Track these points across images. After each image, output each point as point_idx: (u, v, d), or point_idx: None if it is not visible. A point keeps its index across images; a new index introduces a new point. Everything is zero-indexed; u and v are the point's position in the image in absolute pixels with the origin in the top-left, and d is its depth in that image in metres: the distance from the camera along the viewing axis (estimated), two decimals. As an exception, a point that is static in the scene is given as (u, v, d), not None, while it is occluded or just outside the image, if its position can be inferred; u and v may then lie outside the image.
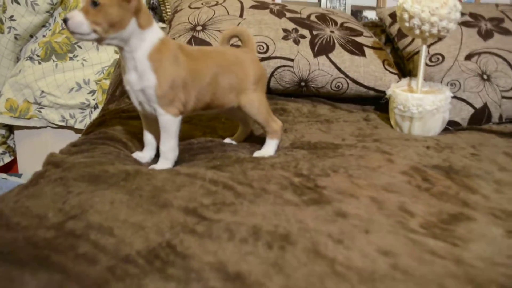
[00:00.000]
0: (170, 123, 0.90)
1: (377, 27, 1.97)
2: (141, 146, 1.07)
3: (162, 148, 0.93)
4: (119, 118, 1.26)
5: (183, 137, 1.10)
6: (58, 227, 0.60)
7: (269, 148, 1.02)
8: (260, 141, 1.12)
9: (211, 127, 1.23)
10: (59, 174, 0.80)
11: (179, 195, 0.72)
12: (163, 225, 0.61)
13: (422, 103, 1.25)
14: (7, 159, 2.06)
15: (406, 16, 1.25)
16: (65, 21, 0.81)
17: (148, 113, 0.94)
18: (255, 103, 1.00)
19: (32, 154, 2.05)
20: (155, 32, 0.89)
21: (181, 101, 0.91)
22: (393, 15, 1.72)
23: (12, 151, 2.08)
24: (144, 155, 1.00)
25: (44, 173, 0.82)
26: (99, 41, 0.85)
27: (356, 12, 2.24)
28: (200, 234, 0.59)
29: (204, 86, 0.93)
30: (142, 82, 0.88)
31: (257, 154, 1.00)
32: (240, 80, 0.98)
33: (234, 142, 1.10)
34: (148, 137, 0.99)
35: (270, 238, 0.58)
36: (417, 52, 1.53)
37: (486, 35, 1.54)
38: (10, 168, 2.14)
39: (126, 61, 0.89)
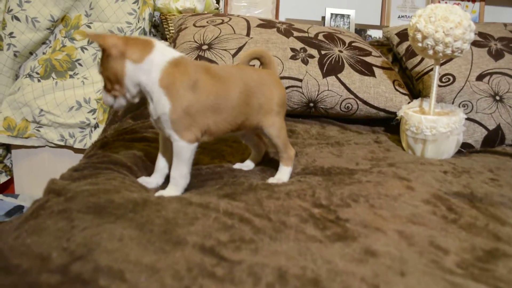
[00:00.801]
0: (184, 149, 0.86)
1: (383, 46, 1.95)
2: (146, 170, 1.02)
3: (173, 174, 0.88)
4: (123, 141, 1.20)
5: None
6: (63, 271, 0.54)
7: (283, 175, 0.97)
8: (270, 166, 1.07)
9: (218, 151, 1.18)
10: (62, 205, 0.74)
11: (193, 230, 0.66)
12: (179, 267, 0.56)
13: (436, 125, 1.21)
14: (4, 178, 2.00)
15: (419, 36, 1.22)
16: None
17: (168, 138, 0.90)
18: (277, 126, 0.96)
19: (30, 174, 1.98)
20: (158, 56, 0.84)
21: (200, 127, 0.86)
22: (400, 34, 1.69)
23: (8, 170, 2.02)
24: (151, 181, 0.95)
25: (45, 204, 0.76)
26: (130, 101, 0.87)
27: (360, 31, 2.23)
28: (220, 278, 0.53)
29: (235, 107, 0.90)
30: (157, 110, 0.84)
31: (271, 180, 0.95)
32: (268, 100, 0.95)
33: (244, 168, 1.05)
34: (160, 163, 0.94)
35: (298, 283, 0.53)
36: (427, 72, 1.50)
37: (496, 55, 1.51)
38: (6, 188, 2.08)
39: (145, 95, 0.87)
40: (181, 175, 0.88)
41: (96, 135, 1.85)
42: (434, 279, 0.57)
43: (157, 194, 0.87)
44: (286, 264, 0.57)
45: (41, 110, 1.84)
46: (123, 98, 0.86)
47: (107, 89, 0.86)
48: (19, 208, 1.85)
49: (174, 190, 0.88)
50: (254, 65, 1.07)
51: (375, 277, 0.55)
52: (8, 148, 1.98)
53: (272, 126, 0.95)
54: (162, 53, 0.85)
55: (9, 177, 2.02)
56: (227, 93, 0.89)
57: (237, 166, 1.06)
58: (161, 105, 0.83)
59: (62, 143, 1.90)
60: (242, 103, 0.90)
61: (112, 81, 0.83)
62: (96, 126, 1.88)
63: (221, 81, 0.89)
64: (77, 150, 1.93)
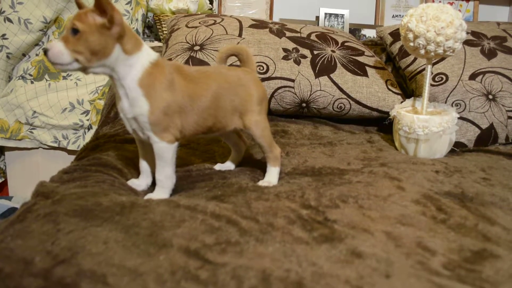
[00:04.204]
0: (165, 150, 0.85)
1: (376, 45, 1.95)
2: (137, 172, 1.01)
3: (158, 177, 0.88)
4: (114, 142, 1.20)
5: (181, 163, 1.04)
6: (45, 275, 0.54)
7: (272, 177, 0.97)
8: (259, 166, 1.06)
9: (209, 152, 1.17)
10: (49, 208, 0.74)
11: (179, 233, 0.66)
12: (162, 270, 0.55)
13: (428, 125, 1.21)
14: (-3, 181, 2.00)
15: (411, 35, 1.21)
16: (45, 52, 0.76)
17: (143, 139, 0.89)
18: (260, 125, 0.95)
19: (23, 175, 1.98)
20: (144, 55, 0.83)
21: (177, 127, 0.85)
22: (393, 34, 1.69)
23: (2, 172, 2.01)
24: (140, 183, 0.95)
25: (32, 207, 0.76)
26: (83, 70, 0.79)
27: (354, 30, 2.23)
28: (204, 282, 0.53)
29: (205, 109, 0.88)
30: (134, 109, 0.83)
31: (261, 183, 0.95)
32: (244, 101, 0.93)
33: (224, 168, 1.04)
34: (143, 165, 0.94)
35: (282, 286, 0.52)
36: (420, 72, 1.49)
37: (489, 54, 1.51)
38: (0, 190, 2.07)
39: (117, 89, 0.84)
40: (166, 176, 0.87)
41: (89, 136, 1.84)
42: (419, 280, 0.56)
43: (146, 197, 0.86)
44: (270, 267, 0.56)
45: (34, 111, 1.84)
46: (80, 65, 0.77)
47: (72, 48, 0.75)
48: (13, 210, 1.84)
49: (162, 192, 0.87)
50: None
51: (359, 279, 0.55)
52: (1, 150, 1.98)
53: (254, 126, 0.94)
54: (147, 53, 0.84)
55: (3, 179, 2.01)
56: (197, 95, 0.87)
57: (218, 167, 1.05)
58: (138, 105, 0.82)
59: (55, 145, 1.89)
60: (212, 106, 0.89)
61: (89, 49, 0.76)
62: (89, 128, 1.87)
63: (192, 82, 0.88)
64: (71, 152, 1.93)
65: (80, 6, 0.81)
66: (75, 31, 0.75)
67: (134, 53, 0.81)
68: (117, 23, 0.77)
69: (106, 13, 0.76)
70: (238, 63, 1.04)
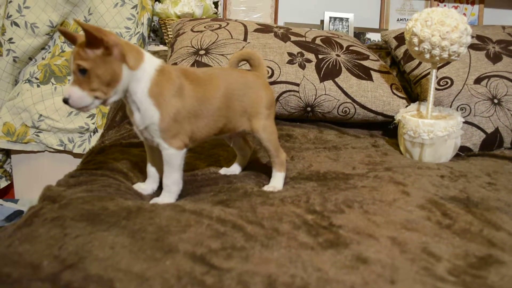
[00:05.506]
0: (174, 157, 0.86)
1: (381, 49, 1.95)
2: (142, 176, 1.02)
3: (165, 182, 0.88)
4: (120, 146, 1.21)
5: (186, 167, 1.05)
6: (53, 279, 0.54)
7: (277, 182, 0.97)
8: (264, 171, 1.07)
9: (214, 156, 1.18)
10: (56, 212, 0.74)
11: (185, 238, 0.66)
12: (168, 275, 0.56)
13: (433, 129, 1.21)
14: (4, 183, 2.01)
15: (415, 40, 1.21)
16: (65, 101, 0.77)
17: (154, 146, 0.89)
18: (268, 130, 0.96)
19: (29, 179, 1.99)
20: (148, 64, 0.83)
21: (187, 133, 0.86)
22: (398, 38, 1.69)
23: (8, 175, 2.03)
24: (146, 187, 0.96)
25: (39, 211, 0.76)
26: (104, 103, 0.80)
27: (359, 34, 2.23)
28: (210, 287, 0.53)
29: (215, 111, 0.89)
30: (145, 120, 0.84)
31: (266, 188, 0.95)
32: (253, 103, 0.94)
33: (229, 173, 1.05)
34: (151, 170, 0.95)
35: (287, 292, 0.53)
36: (425, 76, 1.49)
37: (494, 58, 1.51)
38: (6, 193, 2.08)
39: (129, 105, 0.85)
40: (173, 182, 0.88)
41: (95, 140, 1.85)
42: (424, 286, 0.56)
43: (152, 201, 0.87)
44: (276, 272, 0.57)
45: (40, 115, 1.85)
46: (101, 100, 0.79)
47: (88, 88, 0.76)
48: (19, 213, 1.86)
49: (168, 197, 0.88)
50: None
51: (364, 285, 0.55)
52: (8, 153, 1.99)
53: (262, 130, 0.95)
54: (151, 61, 0.84)
55: (9, 182, 2.02)
56: (206, 97, 0.88)
57: (223, 171, 1.06)
58: (149, 116, 0.83)
59: (61, 148, 1.90)
60: (222, 106, 0.90)
61: (103, 82, 0.77)
62: (95, 131, 1.88)
63: (200, 85, 0.88)
64: (76, 155, 1.94)
65: (73, 39, 0.79)
66: (83, 71, 0.76)
67: (139, 66, 0.81)
68: (114, 44, 0.77)
69: (101, 41, 0.75)
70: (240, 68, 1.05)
